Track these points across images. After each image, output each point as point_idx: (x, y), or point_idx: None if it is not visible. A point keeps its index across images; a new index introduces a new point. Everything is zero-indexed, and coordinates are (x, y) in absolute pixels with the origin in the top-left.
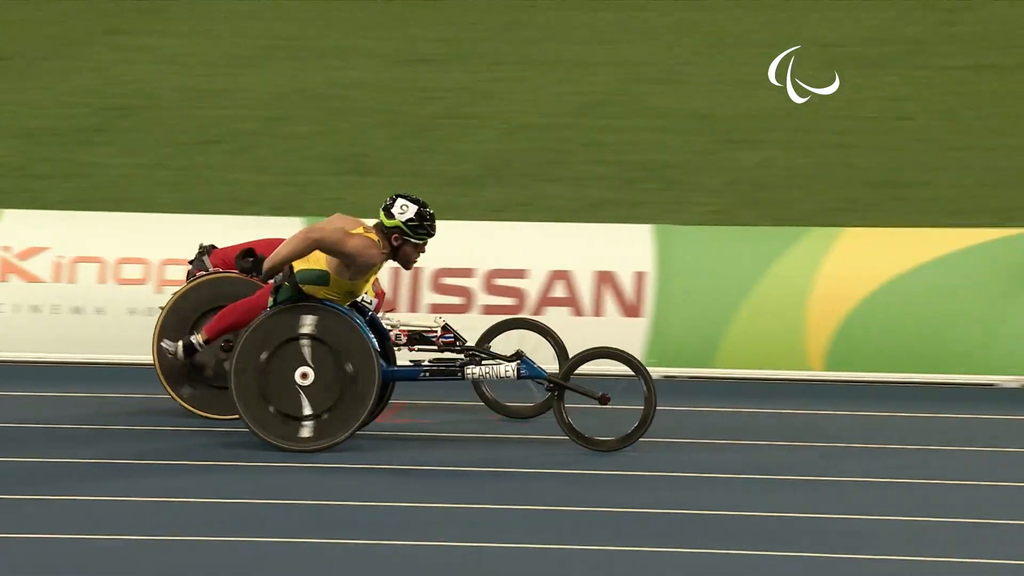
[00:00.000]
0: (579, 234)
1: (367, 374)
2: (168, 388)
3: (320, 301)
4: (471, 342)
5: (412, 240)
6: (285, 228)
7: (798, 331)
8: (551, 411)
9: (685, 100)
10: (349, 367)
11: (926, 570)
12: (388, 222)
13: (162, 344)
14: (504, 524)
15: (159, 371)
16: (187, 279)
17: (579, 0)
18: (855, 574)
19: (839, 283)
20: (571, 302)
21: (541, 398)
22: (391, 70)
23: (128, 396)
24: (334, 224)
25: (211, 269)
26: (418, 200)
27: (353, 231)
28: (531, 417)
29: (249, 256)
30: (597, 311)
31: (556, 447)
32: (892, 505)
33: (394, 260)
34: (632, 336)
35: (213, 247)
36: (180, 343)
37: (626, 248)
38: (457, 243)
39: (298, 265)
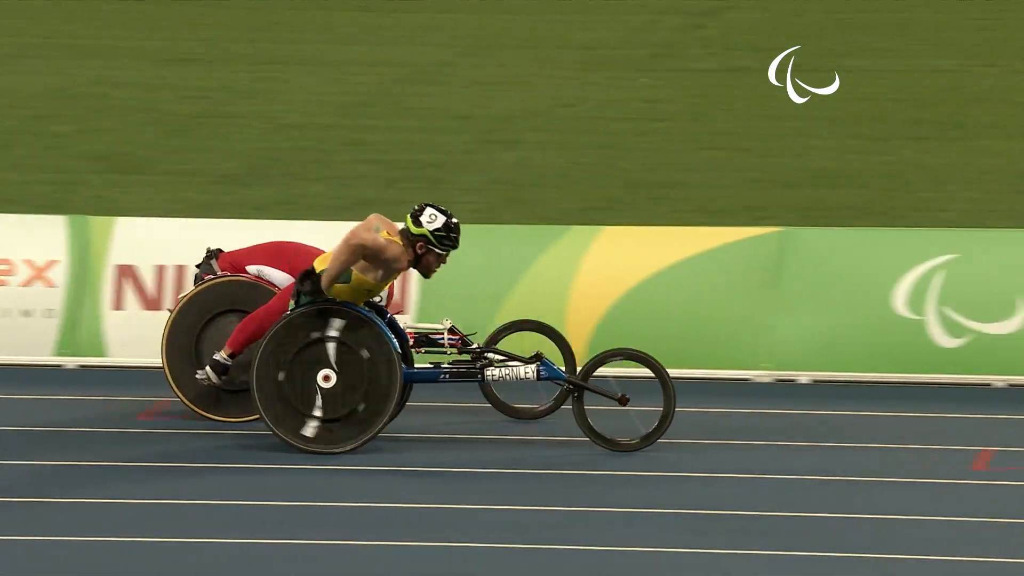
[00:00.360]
0: (344, 233)
1: (388, 376)
2: (177, 392)
3: (342, 304)
4: (476, 344)
5: (436, 250)
6: (48, 226)
7: (559, 328)
8: (555, 412)
9: (446, 100)
10: (371, 370)
11: (674, 560)
12: (415, 229)
13: (196, 376)
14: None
15: (168, 374)
16: (195, 283)
17: (340, 1)
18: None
19: (599, 281)
20: None
21: (547, 399)
22: (154, 69)
23: None
24: (372, 225)
25: (219, 272)
26: (446, 211)
27: (382, 235)
28: (538, 418)
29: (307, 278)
30: None
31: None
32: (662, 498)
33: (414, 267)
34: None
35: (220, 251)
36: (208, 368)
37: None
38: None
39: (319, 266)
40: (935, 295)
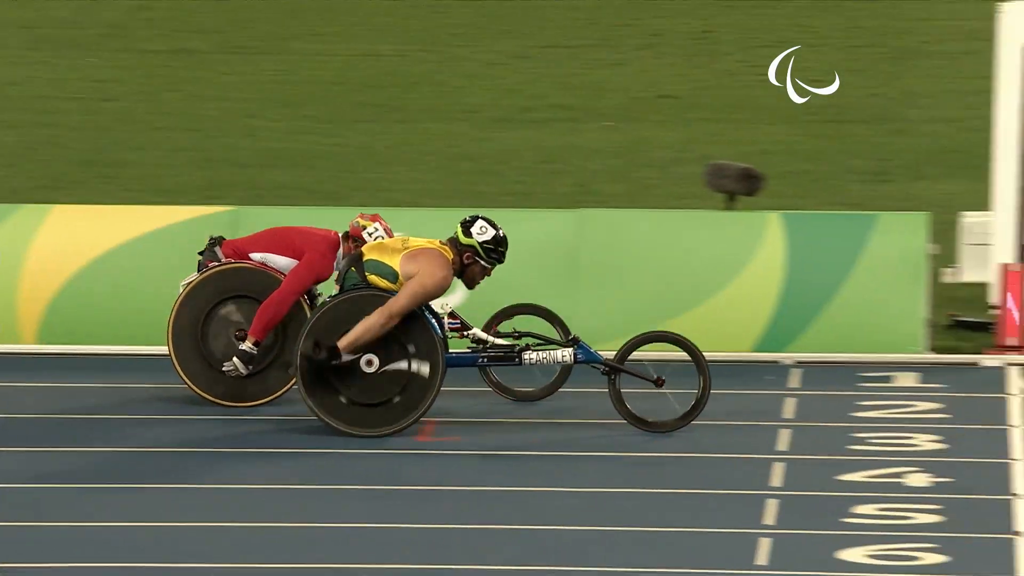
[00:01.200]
0: None
1: (432, 361)
2: (184, 378)
3: (384, 291)
4: (476, 327)
5: (482, 262)
6: None
7: (11, 306)
8: (553, 394)
9: None
10: (413, 354)
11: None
12: (465, 239)
13: (223, 369)
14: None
15: (175, 360)
16: (199, 270)
17: None
18: None
19: (51, 260)
20: None
21: (546, 381)
22: None
23: None
24: (438, 266)
25: (223, 260)
26: (497, 226)
27: (428, 247)
28: (537, 400)
29: (355, 263)
30: None
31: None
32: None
33: (459, 277)
34: None
35: (222, 238)
36: (235, 359)
37: None
38: None
39: (370, 254)
40: None
